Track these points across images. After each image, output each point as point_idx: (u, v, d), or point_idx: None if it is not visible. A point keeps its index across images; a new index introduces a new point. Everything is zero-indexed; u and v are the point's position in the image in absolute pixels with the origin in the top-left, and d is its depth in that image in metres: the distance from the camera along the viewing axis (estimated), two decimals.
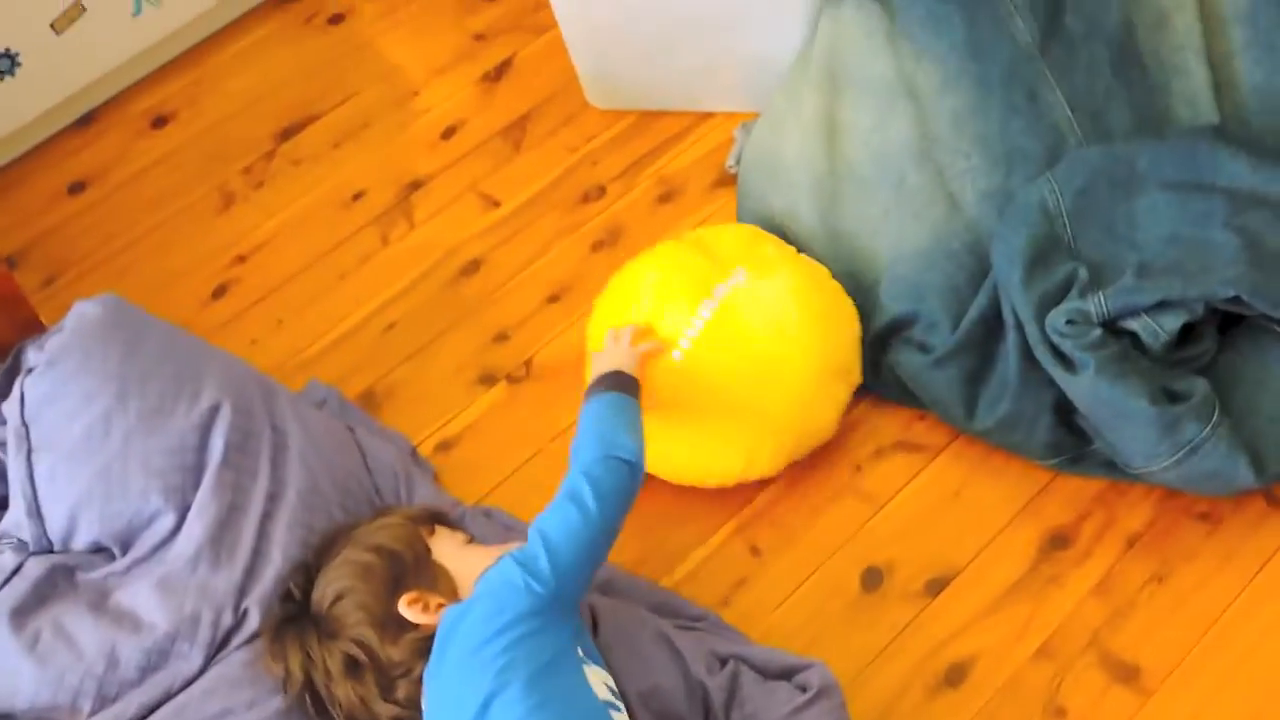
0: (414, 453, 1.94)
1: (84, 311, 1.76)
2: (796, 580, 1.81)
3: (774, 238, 1.98)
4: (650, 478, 1.78)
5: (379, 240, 2.24)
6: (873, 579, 1.80)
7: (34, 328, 1.95)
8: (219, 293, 2.21)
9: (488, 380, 2.05)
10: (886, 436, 1.92)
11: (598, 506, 1.47)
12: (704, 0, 2.10)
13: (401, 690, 1.47)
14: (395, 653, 1.47)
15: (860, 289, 1.98)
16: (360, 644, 1.48)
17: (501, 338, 2.10)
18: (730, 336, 1.83)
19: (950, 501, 1.85)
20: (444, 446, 1.98)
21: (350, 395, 2.04)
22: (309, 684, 1.51)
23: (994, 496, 1.85)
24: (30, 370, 1.73)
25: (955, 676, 1.71)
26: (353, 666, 1.48)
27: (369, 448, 1.83)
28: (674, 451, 1.81)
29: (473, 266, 2.19)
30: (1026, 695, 1.68)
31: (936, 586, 1.78)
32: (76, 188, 2.40)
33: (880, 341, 1.95)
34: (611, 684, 1.46)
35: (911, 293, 1.93)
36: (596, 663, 1.47)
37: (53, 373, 1.70)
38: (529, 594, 1.41)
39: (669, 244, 1.97)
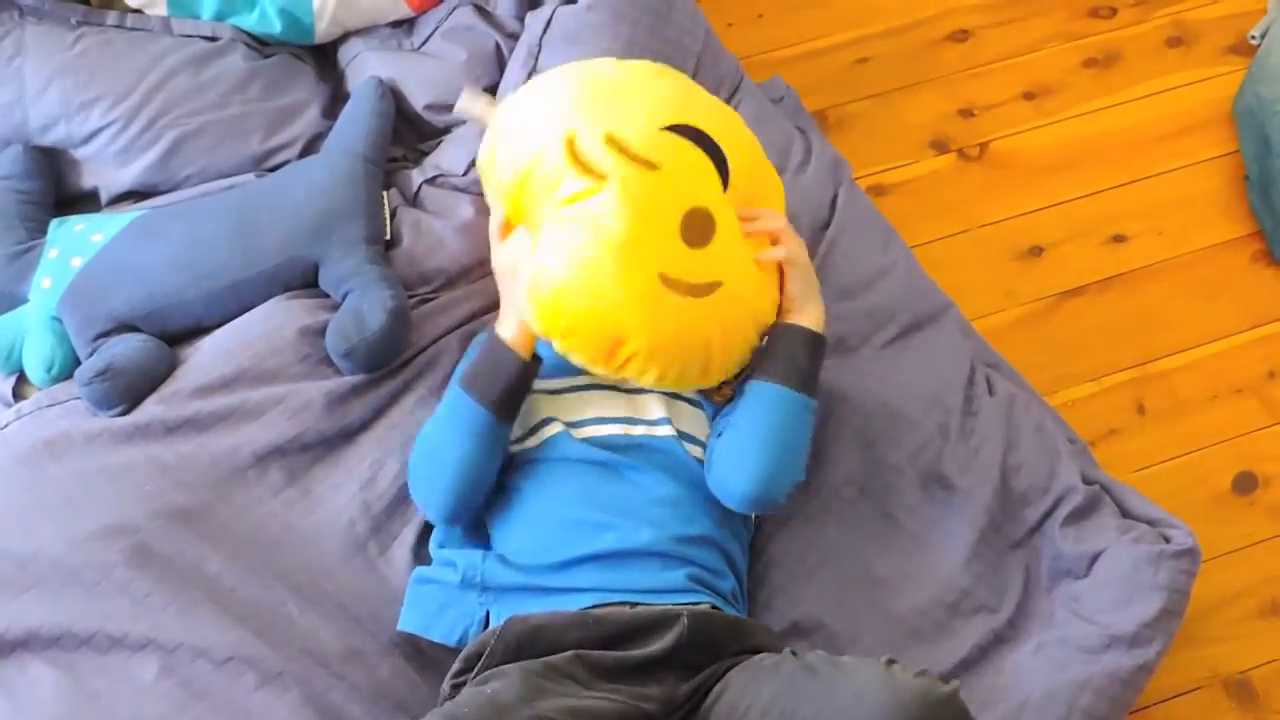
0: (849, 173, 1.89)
1: None
2: (1170, 453, 1.76)
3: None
4: None
5: None
6: (1246, 484, 1.74)
7: None
8: None
9: (939, 146, 2.02)
10: None
11: None
12: None
13: None
14: None
15: None
16: None
17: (967, 113, 2.05)
18: None
19: None
20: (876, 190, 1.97)
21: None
22: None
23: None
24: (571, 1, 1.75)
25: None
26: None
27: (815, 152, 1.80)
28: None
29: (961, 35, 2.14)
30: None
31: None
32: None
33: None
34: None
35: None
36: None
37: (587, 16, 1.71)
38: None
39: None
